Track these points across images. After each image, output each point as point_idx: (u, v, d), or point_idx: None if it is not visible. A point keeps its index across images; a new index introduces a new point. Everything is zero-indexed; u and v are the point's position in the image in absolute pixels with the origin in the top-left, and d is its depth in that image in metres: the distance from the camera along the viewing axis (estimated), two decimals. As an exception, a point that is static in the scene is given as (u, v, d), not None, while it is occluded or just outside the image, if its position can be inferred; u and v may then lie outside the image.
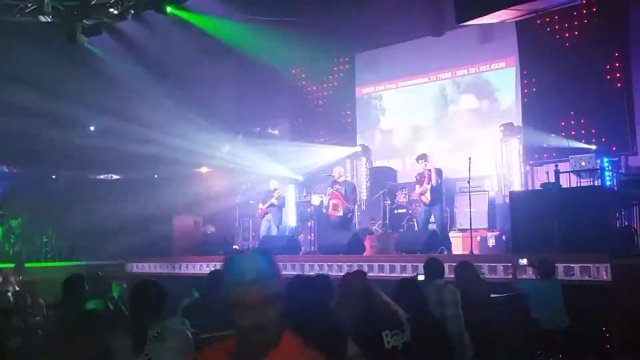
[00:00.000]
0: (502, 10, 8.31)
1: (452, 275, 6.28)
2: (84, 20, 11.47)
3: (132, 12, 11.43)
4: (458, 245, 9.81)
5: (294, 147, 14.49)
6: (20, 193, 13.39)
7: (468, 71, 12.84)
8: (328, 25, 12.78)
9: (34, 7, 11.12)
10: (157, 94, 13.22)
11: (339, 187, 10.53)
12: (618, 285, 6.50)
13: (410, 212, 11.22)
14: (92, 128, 15.36)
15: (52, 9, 11.00)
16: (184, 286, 6.53)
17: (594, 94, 10.68)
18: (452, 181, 11.19)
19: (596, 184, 8.74)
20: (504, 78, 12.35)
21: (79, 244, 12.99)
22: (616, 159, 10.19)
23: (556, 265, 6.61)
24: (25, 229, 12.90)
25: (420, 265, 6.39)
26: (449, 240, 9.60)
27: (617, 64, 10.53)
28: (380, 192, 11.73)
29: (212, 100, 14.43)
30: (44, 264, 11.98)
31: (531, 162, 11.38)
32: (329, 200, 10.49)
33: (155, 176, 14.99)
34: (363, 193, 13.30)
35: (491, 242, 9.69)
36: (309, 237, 12.04)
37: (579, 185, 8.77)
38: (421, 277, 5.61)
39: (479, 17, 8.56)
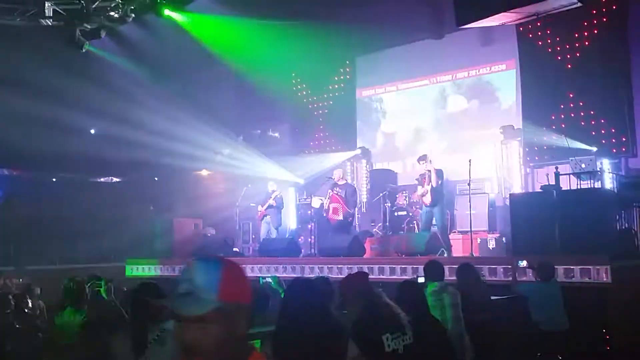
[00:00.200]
0: (502, 13, 8.34)
1: (452, 277, 6.30)
2: (84, 24, 11.49)
3: (133, 15, 11.45)
4: (458, 247, 9.80)
5: (295, 149, 14.52)
6: (21, 196, 13.41)
7: (468, 74, 12.86)
8: (329, 28, 12.80)
9: (34, 10, 11.15)
10: (158, 96, 13.24)
11: (339, 190, 10.52)
12: (618, 287, 6.50)
13: (410, 214, 11.22)
14: (92, 131, 15.38)
15: (52, 13, 11.03)
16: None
17: (594, 97, 10.69)
18: (453, 183, 11.19)
19: (596, 186, 8.73)
20: (504, 80, 12.37)
21: (79, 246, 13.00)
22: (616, 161, 10.20)
23: (556, 267, 6.61)
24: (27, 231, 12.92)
25: (421, 268, 6.39)
26: (450, 242, 9.61)
27: (617, 67, 10.53)
28: (381, 194, 11.74)
29: (212, 102, 14.45)
30: (44, 267, 11.99)
31: (531, 164, 11.39)
32: (329, 203, 10.49)
33: (156, 179, 15.00)
34: (363, 195, 13.31)
35: (491, 244, 9.68)
36: (309, 239, 12.04)
37: (579, 187, 8.77)
38: (421, 280, 5.61)
39: (479, 19, 8.58)
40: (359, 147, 13.97)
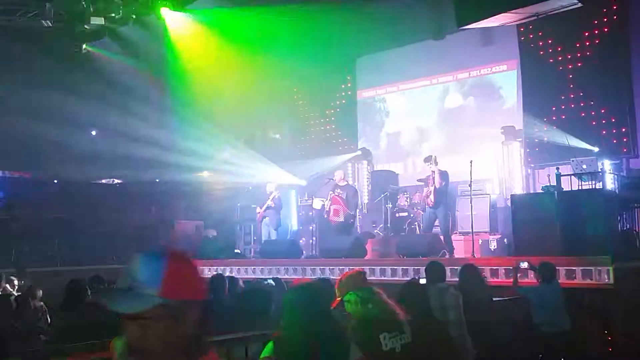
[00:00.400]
0: (502, 14, 8.33)
1: (454, 279, 6.30)
2: (85, 25, 11.50)
3: (134, 16, 11.46)
4: (460, 249, 9.80)
5: (296, 150, 14.53)
6: (22, 197, 13.40)
7: (469, 74, 12.88)
8: (329, 29, 12.79)
9: (35, 11, 11.16)
10: (158, 97, 13.25)
11: (340, 192, 10.53)
12: (620, 288, 6.49)
13: (411, 215, 11.22)
14: (93, 132, 15.39)
15: (53, 14, 11.04)
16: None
17: (594, 97, 10.69)
18: (454, 184, 11.20)
19: (597, 187, 8.73)
20: (505, 81, 12.38)
21: (81, 248, 13.00)
22: (617, 161, 10.19)
23: (558, 268, 6.60)
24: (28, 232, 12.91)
25: (422, 269, 6.39)
26: (452, 243, 9.61)
27: (618, 67, 10.54)
28: (382, 195, 11.74)
29: (213, 103, 14.44)
30: (46, 269, 11.98)
31: (532, 165, 11.39)
32: (330, 205, 10.50)
33: (157, 180, 15.00)
34: (364, 196, 13.31)
35: (493, 246, 9.68)
36: (311, 240, 12.05)
37: (580, 188, 8.76)
38: (422, 281, 5.61)
39: (479, 20, 8.58)
40: (360, 148, 13.98)
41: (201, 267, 1.62)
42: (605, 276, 6.50)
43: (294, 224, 13.47)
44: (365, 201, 13.29)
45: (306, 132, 15.22)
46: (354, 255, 9.37)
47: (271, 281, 7.34)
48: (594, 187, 8.66)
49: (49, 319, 6.75)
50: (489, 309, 5.88)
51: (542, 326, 6.10)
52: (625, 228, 8.22)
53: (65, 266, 11.88)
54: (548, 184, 8.77)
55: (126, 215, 13.02)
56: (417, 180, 11.16)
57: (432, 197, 9.54)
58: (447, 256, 8.86)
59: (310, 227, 12.34)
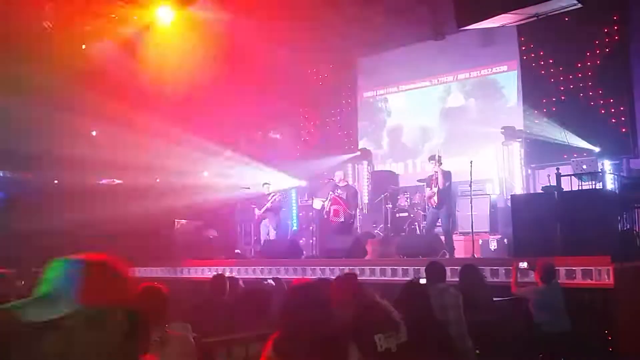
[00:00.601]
0: (502, 15, 8.32)
1: (454, 279, 6.30)
2: (85, 26, 11.51)
3: (135, 17, 11.47)
4: (460, 249, 9.81)
5: (296, 151, 14.51)
6: (23, 198, 13.41)
7: (470, 75, 12.89)
8: (330, 30, 12.81)
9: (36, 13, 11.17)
10: (159, 98, 13.24)
11: (340, 192, 10.54)
12: (620, 289, 6.49)
13: (412, 215, 11.23)
14: (94, 133, 15.39)
15: (55, 15, 11.06)
16: (186, 290, 6.54)
17: (595, 98, 10.69)
18: (454, 184, 11.20)
19: (598, 187, 8.73)
20: (505, 81, 12.39)
21: (81, 248, 12.99)
22: (617, 161, 10.20)
23: (558, 268, 6.61)
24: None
25: (422, 269, 6.39)
26: (453, 244, 9.61)
27: (618, 67, 10.54)
28: (382, 195, 11.74)
29: (213, 103, 14.44)
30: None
31: (532, 165, 11.39)
32: (330, 205, 10.51)
33: (158, 180, 15.00)
34: (364, 197, 13.32)
35: (493, 246, 9.68)
36: (311, 240, 12.05)
37: (580, 188, 8.76)
38: (423, 281, 5.61)
39: (479, 21, 8.57)
40: (360, 149, 13.99)
41: (130, 273, 1.52)
42: (606, 276, 6.50)
43: (293, 224, 13.47)
44: (365, 201, 13.29)
45: (306, 132, 15.22)
46: (354, 256, 9.37)
47: (271, 281, 7.34)
48: (594, 187, 8.66)
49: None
50: (489, 309, 5.89)
51: (542, 326, 6.10)
52: (625, 228, 8.20)
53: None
54: (548, 184, 8.78)
55: (126, 215, 12.98)
56: (418, 181, 11.17)
57: (435, 198, 9.55)
58: (447, 256, 8.86)
59: (311, 228, 12.34)
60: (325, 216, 10.67)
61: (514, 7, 8.12)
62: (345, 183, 11.04)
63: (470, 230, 9.19)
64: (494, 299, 6.28)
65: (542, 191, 8.70)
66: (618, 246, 7.21)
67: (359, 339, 3.15)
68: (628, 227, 8.29)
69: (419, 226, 10.80)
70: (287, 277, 8.67)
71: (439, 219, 9.83)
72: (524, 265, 6.75)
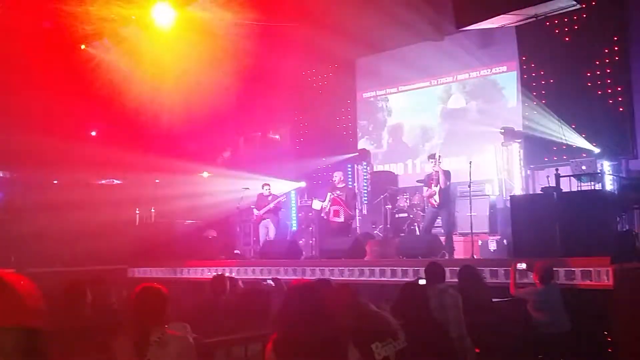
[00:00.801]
0: (502, 15, 8.33)
1: (454, 280, 6.30)
2: (85, 26, 11.50)
3: (134, 17, 11.46)
4: (459, 250, 9.81)
5: (295, 151, 14.51)
6: (21, 198, 13.39)
7: (469, 75, 12.90)
8: (329, 31, 12.81)
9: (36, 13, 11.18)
10: (158, 98, 13.24)
11: (340, 193, 10.55)
12: (619, 289, 6.49)
13: (411, 216, 11.23)
14: (93, 133, 15.39)
15: (53, 15, 11.05)
16: (186, 291, 6.55)
17: (594, 98, 10.70)
18: (453, 185, 11.21)
19: (597, 188, 8.74)
20: (505, 82, 12.40)
21: (80, 248, 12.98)
22: (616, 162, 10.21)
23: (557, 269, 6.61)
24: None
25: (422, 270, 6.40)
26: (453, 245, 9.61)
27: (617, 68, 10.56)
28: (381, 196, 11.74)
29: (213, 104, 14.44)
30: (45, 269, 11.96)
31: (532, 166, 11.40)
32: (330, 206, 10.51)
33: (157, 181, 15.00)
34: (364, 197, 13.33)
35: (492, 247, 9.68)
36: (310, 241, 12.05)
37: (579, 189, 8.77)
38: (422, 282, 5.61)
39: (478, 22, 8.58)
40: (359, 149, 13.99)
41: (30, 292, 1.40)
42: (605, 277, 6.50)
43: (293, 225, 13.47)
44: (365, 202, 13.30)
45: (306, 132, 15.23)
46: (354, 256, 9.37)
47: (270, 282, 7.35)
48: (593, 188, 8.67)
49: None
50: (489, 309, 5.89)
51: (542, 327, 6.11)
52: (624, 229, 8.22)
53: (65, 267, 11.87)
54: (547, 185, 8.79)
55: (125, 216, 12.99)
56: (417, 181, 11.17)
57: (436, 197, 9.52)
58: (446, 257, 8.86)
59: (310, 228, 12.34)
60: (325, 217, 10.67)
61: (513, 8, 8.12)
62: (344, 184, 11.04)
63: (470, 231, 9.19)
64: (493, 299, 6.28)
65: (541, 192, 8.70)
66: (617, 247, 7.21)
67: (356, 349, 3.14)
68: (627, 227, 8.31)
69: (419, 227, 10.80)
70: (286, 277, 8.68)
71: (438, 219, 9.81)
72: (522, 266, 6.75)
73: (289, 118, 15.47)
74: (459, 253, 9.70)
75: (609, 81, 10.61)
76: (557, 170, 8.81)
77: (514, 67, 12.07)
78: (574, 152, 10.31)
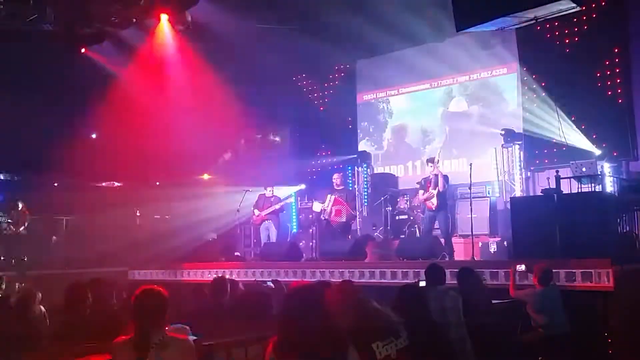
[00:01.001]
0: (501, 18, 8.33)
1: (454, 282, 6.31)
2: (85, 29, 11.52)
3: (134, 20, 11.48)
4: (459, 251, 9.81)
5: (295, 153, 14.51)
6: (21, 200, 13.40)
7: (470, 77, 12.91)
8: (329, 32, 12.84)
9: (35, 15, 11.19)
10: (158, 99, 13.26)
11: (339, 195, 10.58)
12: (620, 291, 6.49)
13: (411, 218, 11.23)
14: (93, 135, 15.42)
15: (53, 18, 11.08)
16: (187, 293, 6.55)
17: (594, 100, 10.72)
18: (454, 187, 11.21)
19: (597, 190, 8.73)
20: (505, 84, 12.40)
21: (80, 250, 12.99)
22: (617, 164, 10.20)
23: (558, 271, 6.62)
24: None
25: (422, 272, 6.40)
26: (452, 246, 9.61)
27: (617, 69, 10.57)
28: (382, 198, 11.75)
29: (213, 106, 14.45)
30: (46, 271, 11.97)
31: (532, 168, 11.41)
32: (332, 206, 10.52)
33: (157, 183, 15.02)
34: (364, 199, 13.34)
35: (492, 248, 9.68)
36: (311, 243, 12.04)
37: (579, 191, 8.77)
38: (422, 284, 5.62)
39: (478, 24, 8.58)
40: (359, 152, 14.01)
41: None
42: (605, 279, 6.50)
43: (293, 227, 13.46)
44: (365, 204, 13.30)
45: (305, 134, 15.23)
46: (354, 258, 9.38)
47: (270, 284, 7.35)
48: (593, 189, 8.66)
49: (48, 322, 6.75)
50: (488, 311, 5.90)
51: (541, 329, 6.11)
52: (624, 231, 8.21)
53: (65, 269, 11.87)
54: (548, 187, 8.79)
55: (126, 218, 13.01)
56: (417, 183, 11.17)
57: (434, 200, 9.54)
58: (446, 259, 8.86)
59: (310, 230, 12.33)
60: (327, 217, 10.67)
61: (513, 11, 8.13)
62: (343, 187, 11.05)
63: (470, 233, 9.19)
64: (493, 301, 6.29)
65: (541, 194, 8.70)
66: (618, 249, 7.23)
67: (357, 348, 3.14)
68: (627, 229, 8.30)
69: (419, 229, 10.79)
70: (286, 279, 8.68)
71: (436, 222, 9.82)
72: (522, 268, 6.76)
73: (290, 120, 15.47)
74: (460, 255, 9.70)
75: (609, 83, 10.63)
76: (557, 172, 8.81)
77: (514, 68, 12.09)
78: (574, 153, 10.31)
